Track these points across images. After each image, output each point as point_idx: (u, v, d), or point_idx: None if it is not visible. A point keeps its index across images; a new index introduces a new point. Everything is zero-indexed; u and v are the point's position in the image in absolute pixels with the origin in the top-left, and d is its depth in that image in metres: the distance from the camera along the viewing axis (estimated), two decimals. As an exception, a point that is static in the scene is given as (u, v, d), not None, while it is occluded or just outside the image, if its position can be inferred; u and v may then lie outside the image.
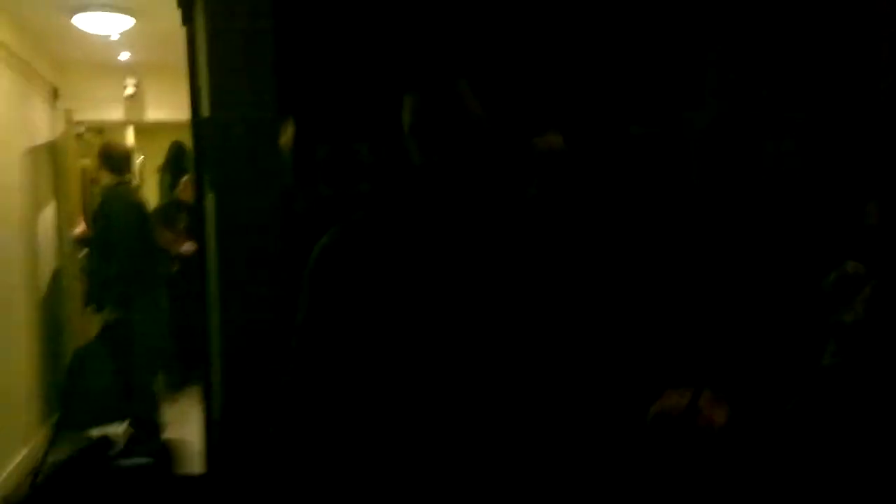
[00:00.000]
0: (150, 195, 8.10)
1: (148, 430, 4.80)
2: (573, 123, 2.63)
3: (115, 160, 4.78)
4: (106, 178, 4.91)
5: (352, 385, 1.55)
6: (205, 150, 2.72)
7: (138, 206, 4.71)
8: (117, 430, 4.59)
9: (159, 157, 7.74)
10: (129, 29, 4.80)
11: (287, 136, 2.79)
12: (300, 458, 1.63)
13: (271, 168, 2.64)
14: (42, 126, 5.37)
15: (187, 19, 2.86)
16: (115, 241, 4.53)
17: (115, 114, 6.15)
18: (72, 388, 4.67)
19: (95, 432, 4.87)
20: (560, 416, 1.60)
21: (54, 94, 5.63)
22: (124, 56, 5.61)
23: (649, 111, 2.78)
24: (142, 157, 8.28)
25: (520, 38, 2.74)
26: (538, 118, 2.49)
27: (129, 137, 7.94)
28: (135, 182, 6.26)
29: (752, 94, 2.79)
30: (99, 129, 6.70)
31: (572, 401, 1.61)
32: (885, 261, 1.71)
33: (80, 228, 5.23)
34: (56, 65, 5.67)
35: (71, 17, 4.53)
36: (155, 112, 6.08)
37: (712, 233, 2.61)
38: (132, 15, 4.58)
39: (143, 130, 7.62)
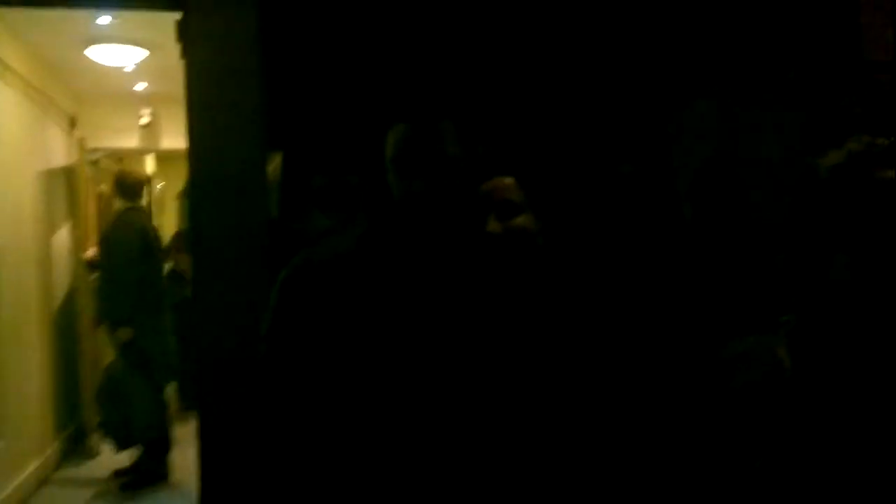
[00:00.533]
0: (170, 221, 8.31)
1: (160, 447, 4.93)
2: (565, 162, 2.72)
3: (127, 186, 4.95)
4: (118, 204, 5.08)
5: (312, 396, 1.63)
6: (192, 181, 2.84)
7: (145, 231, 4.86)
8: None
9: (179, 183, 7.94)
10: (144, 60, 5.00)
11: (275, 168, 2.91)
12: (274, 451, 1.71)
13: (256, 200, 2.75)
14: (59, 153, 5.59)
15: (185, 53, 3.00)
16: (120, 263, 4.69)
17: (131, 142, 6.36)
18: (118, 407, 4.79)
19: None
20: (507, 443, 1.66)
21: (72, 123, 5.85)
22: (140, 86, 5.81)
23: (638, 151, 2.87)
24: (162, 183, 8.48)
25: (513, 81, 2.83)
26: (526, 159, 2.57)
27: (150, 164, 8.16)
28: (147, 207, 6.45)
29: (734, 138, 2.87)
30: (119, 156, 6.92)
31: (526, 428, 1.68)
32: (850, 313, 1.72)
33: (91, 252, 5.39)
34: (73, 95, 5.89)
35: (84, 50, 4.73)
36: (170, 141, 6.26)
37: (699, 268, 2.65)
38: (145, 47, 4.78)
39: (164, 158, 7.82)
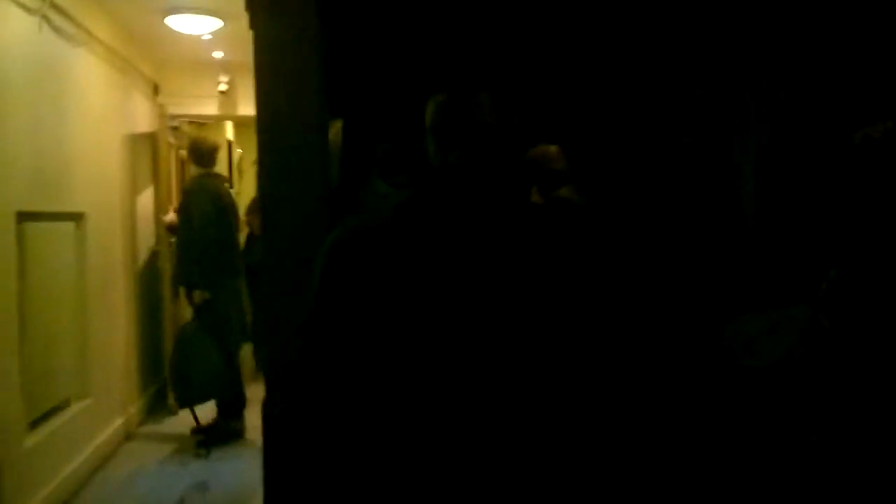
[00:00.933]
0: (249, 186, 8.50)
1: (235, 406, 5.12)
2: (617, 133, 2.67)
3: (201, 153, 5.08)
4: (193, 170, 5.23)
5: (356, 378, 1.65)
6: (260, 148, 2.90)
7: (219, 197, 4.98)
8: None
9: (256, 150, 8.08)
10: (221, 29, 5.10)
11: (335, 134, 2.94)
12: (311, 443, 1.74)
13: (318, 167, 2.78)
14: (143, 119, 5.77)
15: (253, 24, 3.05)
16: (196, 228, 4.83)
17: (210, 109, 6.51)
18: (180, 371, 4.97)
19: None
20: (558, 422, 1.64)
21: (155, 90, 6.02)
22: (218, 55, 5.93)
23: (697, 124, 2.78)
24: (240, 150, 8.67)
25: (567, 51, 2.78)
26: (573, 129, 2.53)
27: (229, 132, 8.35)
28: (226, 173, 6.61)
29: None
30: (200, 122, 7.10)
31: (571, 408, 1.66)
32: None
33: (169, 216, 5.58)
34: (156, 63, 6.05)
35: (164, 19, 4.85)
36: (246, 108, 6.38)
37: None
38: (220, 17, 4.87)
39: (242, 124, 7.98)
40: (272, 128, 2.80)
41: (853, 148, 1.65)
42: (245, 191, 8.43)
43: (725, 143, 2.76)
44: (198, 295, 4.91)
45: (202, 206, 4.86)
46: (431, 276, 1.59)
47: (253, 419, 4.96)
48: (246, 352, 5.46)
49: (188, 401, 5.06)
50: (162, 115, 5.82)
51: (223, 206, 4.95)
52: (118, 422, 5.02)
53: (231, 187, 6.83)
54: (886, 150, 1.60)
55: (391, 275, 1.60)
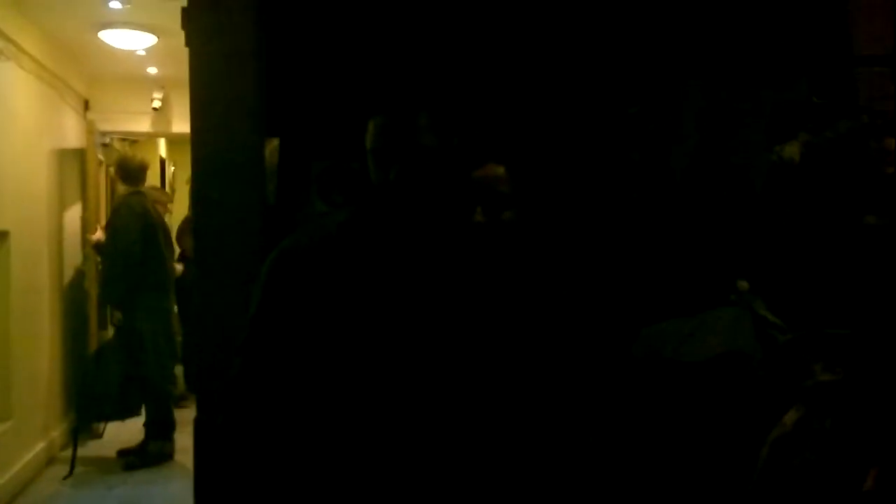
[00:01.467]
0: (182, 205, 8.37)
1: (163, 428, 5.01)
2: (561, 151, 2.72)
3: (128, 171, 5.01)
4: (121, 188, 5.14)
5: (295, 384, 1.66)
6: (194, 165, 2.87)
7: (146, 216, 4.90)
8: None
9: (189, 167, 7.97)
10: (156, 45, 5.04)
11: (271, 153, 2.94)
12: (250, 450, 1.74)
13: (253, 186, 2.78)
14: (72, 135, 5.65)
15: (189, 41, 3.03)
16: (121, 248, 4.75)
17: (143, 126, 6.41)
18: (85, 386, 4.90)
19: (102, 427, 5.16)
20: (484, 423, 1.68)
21: (85, 105, 5.91)
22: (152, 70, 5.86)
23: (644, 139, 2.86)
24: (173, 168, 8.55)
25: (506, 70, 2.84)
26: (516, 148, 2.58)
27: (162, 149, 8.23)
28: (164, 190, 6.50)
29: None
30: (132, 140, 6.98)
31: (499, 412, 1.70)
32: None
33: (97, 235, 5.47)
34: (87, 78, 5.95)
35: (97, 33, 4.78)
36: (180, 125, 6.31)
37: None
38: (155, 33, 4.83)
39: (176, 142, 7.87)
40: (207, 146, 2.78)
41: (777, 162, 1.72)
42: (178, 209, 8.30)
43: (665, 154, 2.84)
44: (116, 315, 4.85)
45: (127, 224, 4.78)
46: (369, 291, 1.62)
47: (183, 441, 4.87)
48: (177, 372, 5.36)
49: (85, 419, 5.01)
50: (91, 131, 5.71)
51: (149, 224, 4.87)
52: (40, 445, 4.86)
53: (170, 201, 6.75)
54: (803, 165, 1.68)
55: (333, 290, 1.63)
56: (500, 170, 2.08)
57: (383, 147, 1.75)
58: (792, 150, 1.64)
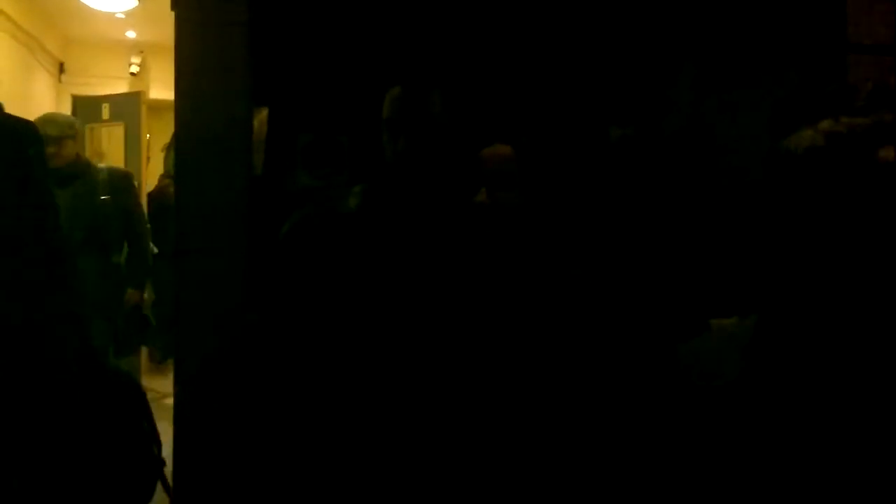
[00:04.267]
0: (156, 172, 8.19)
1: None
2: (551, 128, 2.68)
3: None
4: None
5: (308, 358, 1.66)
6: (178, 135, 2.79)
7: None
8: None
9: (166, 135, 7.83)
10: (135, 8, 4.91)
11: (260, 124, 2.86)
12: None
13: (240, 156, 2.70)
14: (46, 98, 5.50)
15: (175, 4, 2.93)
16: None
17: (119, 90, 6.25)
18: None
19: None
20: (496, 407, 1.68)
21: (60, 69, 5.75)
22: (130, 34, 5.72)
23: (626, 115, 2.82)
24: (148, 135, 8.37)
25: (502, 45, 2.78)
26: (512, 125, 2.53)
27: (138, 114, 8.06)
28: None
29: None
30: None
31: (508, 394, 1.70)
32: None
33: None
34: (63, 40, 5.78)
35: (76, -6, 4.65)
36: (158, 91, 6.17)
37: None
38: (137, -6, 4.70)
39: (153, 108, 7.70)
40: (192, 114, 2.70)
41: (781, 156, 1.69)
42: (152, 178, 8.15)
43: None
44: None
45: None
46: (390, 265, 1.68)
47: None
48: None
49: None
50: (61, 94, 5.57)
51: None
52: None
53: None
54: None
55: (356, 264, 1.69)
56: (505, 150, 2.05)
57: (396, 117, 1.83)
58: (807, 139, 1.58)
